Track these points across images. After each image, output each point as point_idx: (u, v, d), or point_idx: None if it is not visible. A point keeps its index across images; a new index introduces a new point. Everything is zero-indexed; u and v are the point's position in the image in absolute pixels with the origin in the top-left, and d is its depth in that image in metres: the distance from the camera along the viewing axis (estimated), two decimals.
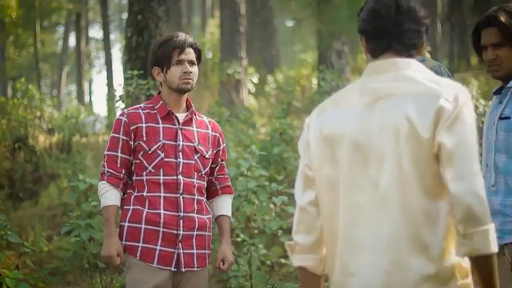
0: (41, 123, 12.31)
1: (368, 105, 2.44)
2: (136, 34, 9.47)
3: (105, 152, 3.96)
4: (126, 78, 8.65)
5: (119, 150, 3.92)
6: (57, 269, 6.60)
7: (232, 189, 4.20)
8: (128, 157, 3.93)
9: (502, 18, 3.50)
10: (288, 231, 7.61)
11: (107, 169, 3.92)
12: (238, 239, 6.70)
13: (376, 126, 2.40)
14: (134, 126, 3.92)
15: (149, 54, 4.08)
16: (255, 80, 16.49)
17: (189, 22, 30.92)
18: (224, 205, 4.14)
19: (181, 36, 3.98)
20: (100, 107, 70.74)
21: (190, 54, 3.97)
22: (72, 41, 34.84)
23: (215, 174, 4.12)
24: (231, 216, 4.19)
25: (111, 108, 14.26)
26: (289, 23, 33.99)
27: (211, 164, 4.06)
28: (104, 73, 42.74)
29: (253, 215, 6.43)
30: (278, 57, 19.98)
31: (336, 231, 2.47)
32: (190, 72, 3.95)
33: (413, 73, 2.45)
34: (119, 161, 3.91)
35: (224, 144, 4.16)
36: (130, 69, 8.87)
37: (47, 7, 25.70)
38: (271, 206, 6.59)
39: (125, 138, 3.92)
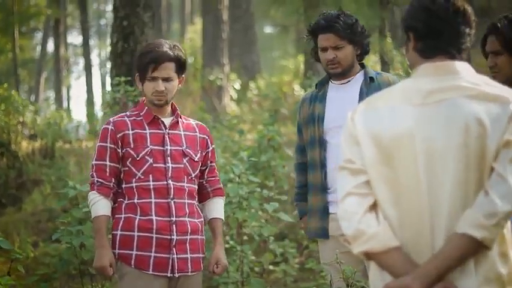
0: (23, 129, 12.19)
1: (427, 107, 2.39)
2: (122, 40, 9.43)
3: (93, 162, 3.93)
4: (113, 85, 8.60)
5: (107, 159, 3.90)
6: (47, 276, 6.54)
7: (223, 191, 4.19)
8: (117, 165, 3.91)
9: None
10: (277, 237, 7.60)
11: (96, 179, 3.89)
12: (227, 246, 6.68)
13: (439, 128, 2.37)
14: (121, 134, 3.90)
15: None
16: (237, 86, 16.46)
17: (168, 28, 30.84)
18: (216, 207, 4.13)
19: (161, 49, 3.87)
20: (79, 113, 70.20)
21: (166, 70, 3.87)
22: (50, 46, 34.58)
23: (205, 176, 4.11)
24: (223, 218, 4.17)
25: (91, 114, 14.18)
26: (268, 29, 34.03)
27: (201, 166, 4.04)
28: (83, 79, 42.52)
29: (244, 222, 6.42)
30: (259, 64, 19.92)
31: (400, 236, 2.41)
32: (162, 91, 3.87)
33: (472, 78, 2.42)
34: (108, 170, 3.89)
35: (213, 146, 4.14)
36: (116, 76, 8.82)
37: (25, 12, 25.45)
38: (260, 212, 6.59)
39: (112, 146, 3.90)
